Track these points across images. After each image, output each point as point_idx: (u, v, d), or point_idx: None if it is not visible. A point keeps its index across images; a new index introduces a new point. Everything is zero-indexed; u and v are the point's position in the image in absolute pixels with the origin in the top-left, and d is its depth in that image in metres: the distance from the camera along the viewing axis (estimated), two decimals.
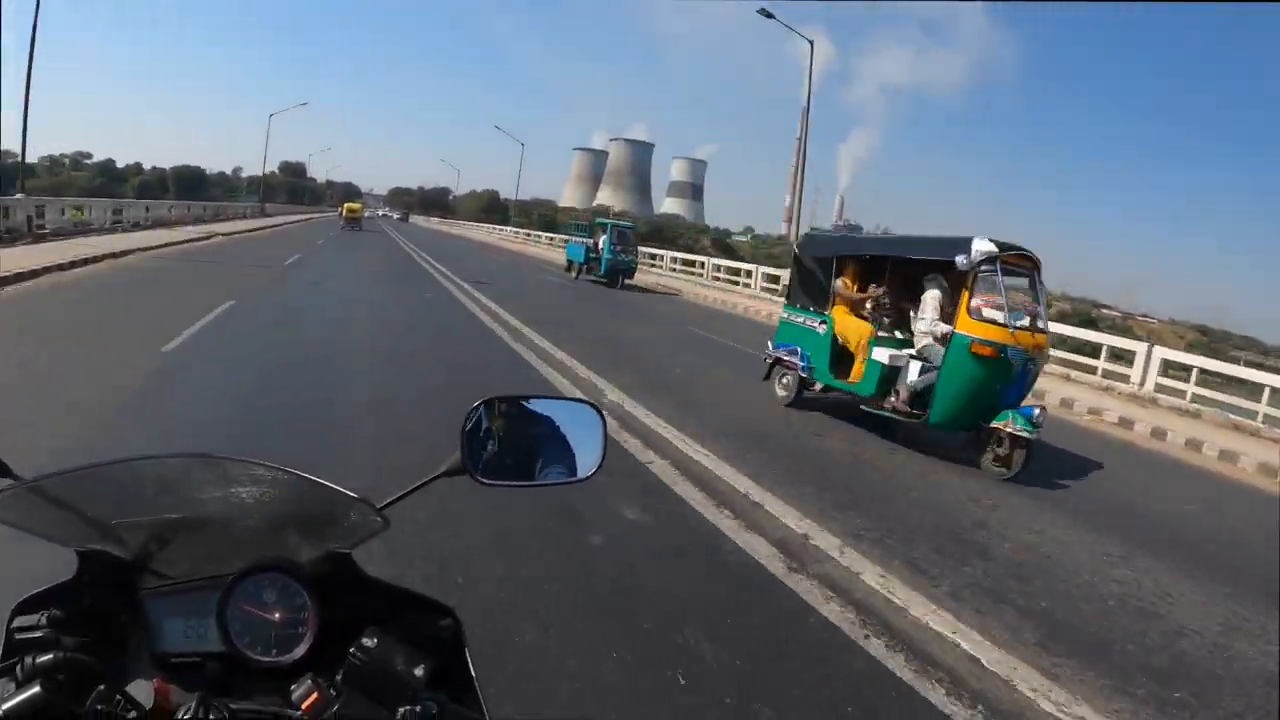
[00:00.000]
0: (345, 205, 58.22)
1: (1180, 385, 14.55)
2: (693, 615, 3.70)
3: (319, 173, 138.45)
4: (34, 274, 12.53)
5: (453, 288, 18.61)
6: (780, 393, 9.49)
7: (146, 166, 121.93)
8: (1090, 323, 39.46)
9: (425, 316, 13.45)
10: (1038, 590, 4.67)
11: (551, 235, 55.06)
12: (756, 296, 26.33)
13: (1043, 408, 7.66)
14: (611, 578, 4.02)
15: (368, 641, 0.99)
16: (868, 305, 8.85)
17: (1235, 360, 23.58)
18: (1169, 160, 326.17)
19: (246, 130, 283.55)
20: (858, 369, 8.49)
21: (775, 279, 26.54)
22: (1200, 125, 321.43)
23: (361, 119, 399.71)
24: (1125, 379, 15.18)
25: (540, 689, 2.97)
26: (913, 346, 8.24)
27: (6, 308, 10.20)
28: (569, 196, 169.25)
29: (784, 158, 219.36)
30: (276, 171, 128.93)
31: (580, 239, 29.12)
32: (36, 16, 20.89)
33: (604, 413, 1.48)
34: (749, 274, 29.62)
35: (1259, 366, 17.41)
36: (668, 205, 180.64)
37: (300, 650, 1.11)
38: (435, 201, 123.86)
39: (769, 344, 9.75)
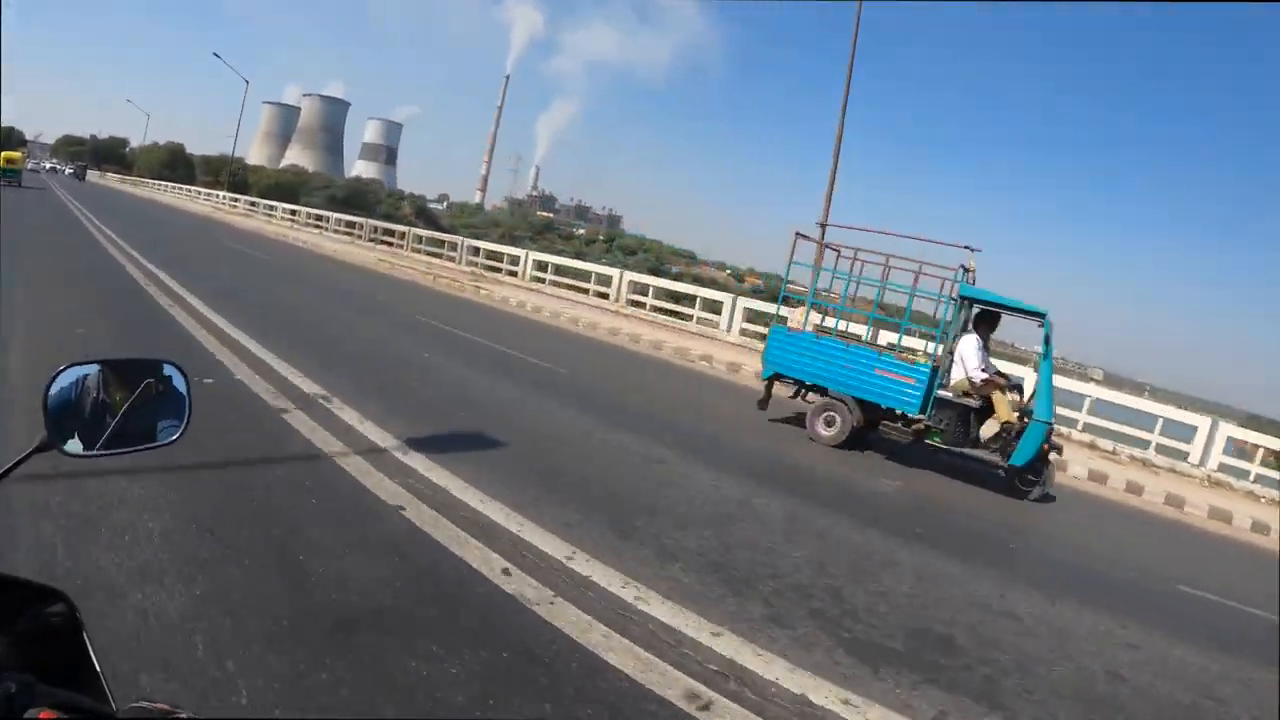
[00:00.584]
0: (2, 154, 49.27)
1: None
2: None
3: None
4: None
5: None
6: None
7: None
8: (776, 297, 47.45)
9: None
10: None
11: (293, 210, 49.48)
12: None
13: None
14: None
15: None
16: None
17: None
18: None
19: None
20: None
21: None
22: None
23: (33, 55, 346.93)
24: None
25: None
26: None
27: None
28: (257, 154, 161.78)
29: (482, 124, 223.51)
30: None
31: None
32: None
33: (185, 370, 1.52)
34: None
35: None
36: (359, 168, 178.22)
37: None
38: (110, 153, 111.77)
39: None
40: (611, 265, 31.94)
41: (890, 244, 11.03)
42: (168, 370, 1.50)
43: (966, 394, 9.75)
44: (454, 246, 33.11)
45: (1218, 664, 5.39)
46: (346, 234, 39.35)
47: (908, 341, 12.33)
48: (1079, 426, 15.70)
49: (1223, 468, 14.44)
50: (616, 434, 8.54)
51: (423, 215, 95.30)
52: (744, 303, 22.40)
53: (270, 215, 47.82)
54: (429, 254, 33.79)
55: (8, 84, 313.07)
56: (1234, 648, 5.84)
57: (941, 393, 9.82)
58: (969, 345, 9.86)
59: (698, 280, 59.49)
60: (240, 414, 6.40)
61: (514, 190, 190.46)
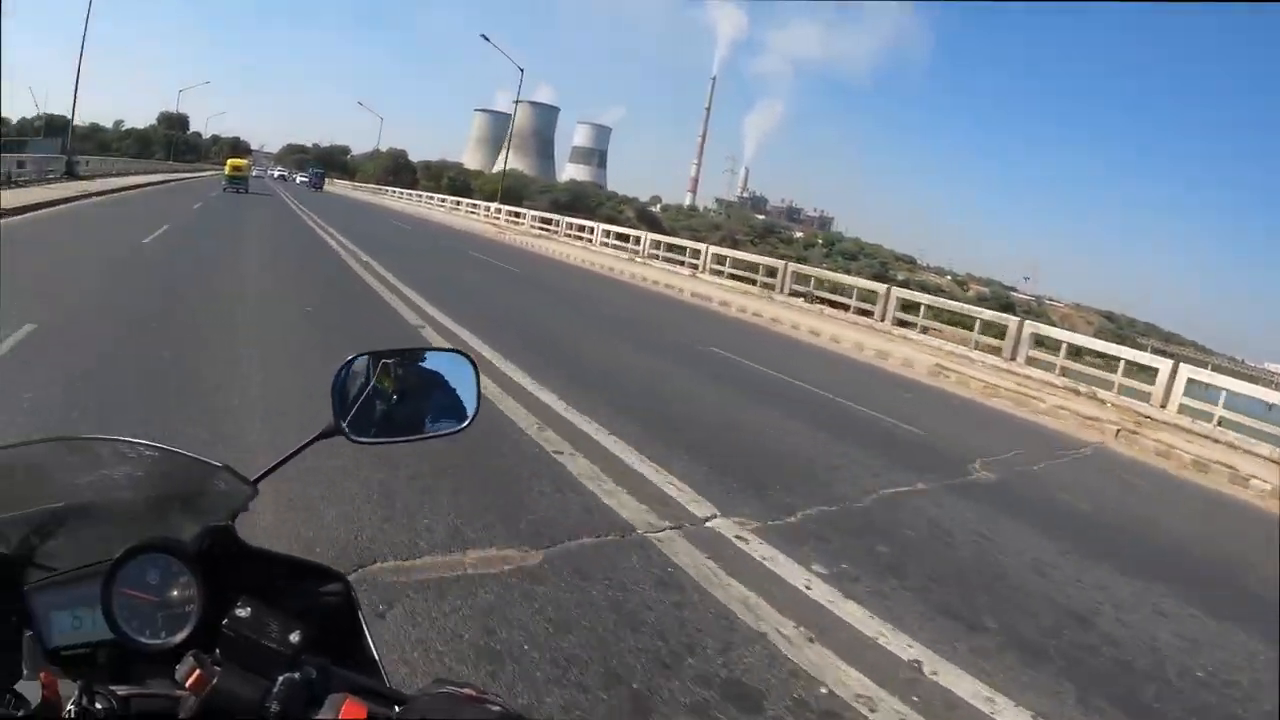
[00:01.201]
0: (229, 161, 51.23)
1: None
2: None
3: (205, 127, 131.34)
4: None
5: None
6: None
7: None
8: (1008, 306, 42.02)
9: None
10: None
11: (517, 212, 46.76)
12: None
13: None
14: None
15: (240, 612, 0.98)
16: None
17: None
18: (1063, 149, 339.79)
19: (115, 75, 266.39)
20: None
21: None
22: (1094, 111, 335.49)
23: (253, 74, 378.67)
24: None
25: None
26: None
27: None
28: (470, 160, 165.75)
29: (689, 126, 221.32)
30: (155, 124, 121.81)
31: None
32: None
33: (475, 361, 1.51)
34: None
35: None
36: (570, 171, 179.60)
37: (187, 630, 1.09)
38: (332, 161, 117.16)
39: None
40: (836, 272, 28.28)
41: None
42: (459, 360, 1.51)
43: None
44: (695, 254, 28.95)
45: None
46: (578, 237, 36.16)
47: None
48: None
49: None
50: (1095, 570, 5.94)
51: (644, 218, 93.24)
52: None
53: (512, 221, 45.91)
54: (668, 259, 29.86)
55: (244, 111, 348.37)
56: None
57: None
58: None
59: (931, 289, 53.33)
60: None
61: (728, 192, 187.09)
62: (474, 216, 50.16)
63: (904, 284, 53.74)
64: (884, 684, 3.65)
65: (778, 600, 4.28)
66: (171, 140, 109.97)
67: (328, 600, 1.21)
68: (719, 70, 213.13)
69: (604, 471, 5.85)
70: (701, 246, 29.63)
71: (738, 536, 5.04)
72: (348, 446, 1.43)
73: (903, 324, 20.18)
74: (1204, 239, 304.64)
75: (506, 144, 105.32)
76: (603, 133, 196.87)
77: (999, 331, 17.75)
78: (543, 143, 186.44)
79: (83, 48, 34.72)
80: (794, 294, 23.67)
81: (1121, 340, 24.47)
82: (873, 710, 3.46)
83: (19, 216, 17.23)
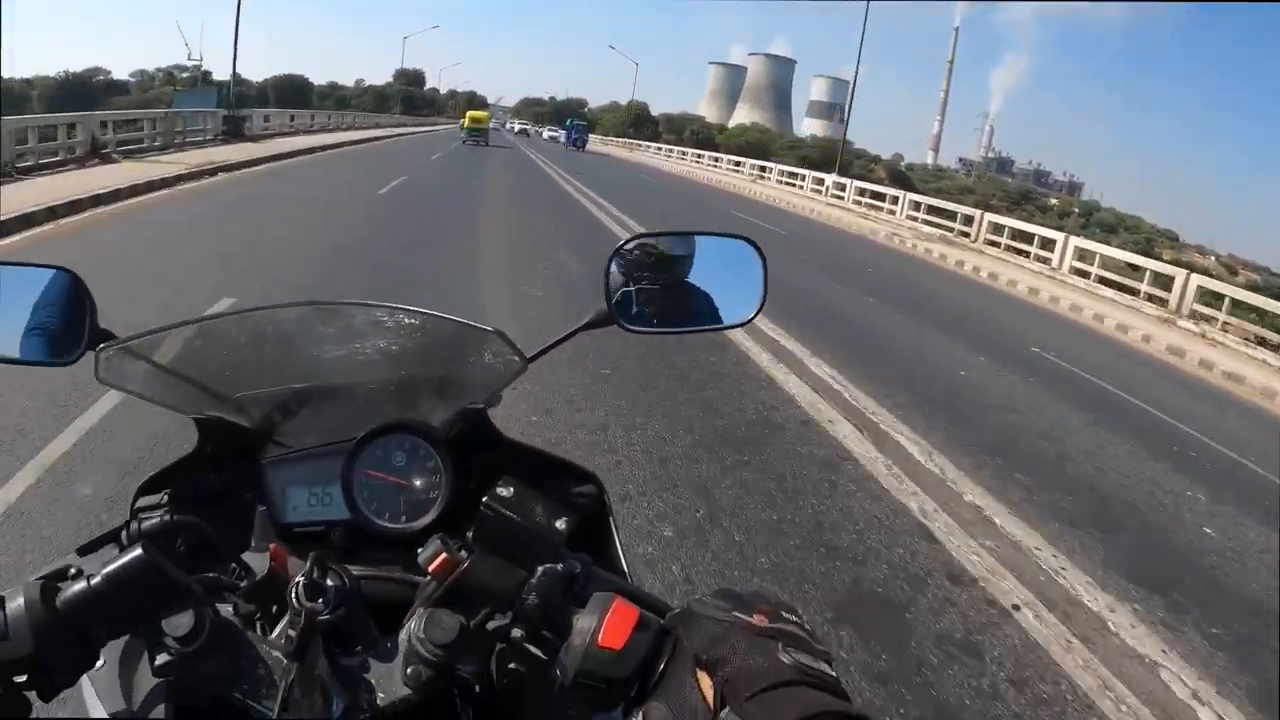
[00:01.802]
0: (468, 114, 50.47)
1: None
2: None
3: (445, 84, 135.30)
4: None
5: None
6: None
7: (244, 76, 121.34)
8: None
9: None
10: None
11: (763, 167, 42.94)
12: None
13: None
14: None
15: (503, 491, 0.88)
16: None
17: None
18: None
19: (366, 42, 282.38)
20: None
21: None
22: None
23: (485, 28, 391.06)
24: None
25: None
26: None
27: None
28: (705, 113, 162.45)
29: (929, 80, 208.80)
30: (392, 81, 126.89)
31: None
32: None
33: (762, 249, 1.32)
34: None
35: None
36: (806, 126, 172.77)
37: (431, 515, 1.08)
38: (570, 114, 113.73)
39: None
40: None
41: None
42: (744, 248, 1.33)
43: None
44: (1047, 244, 21.09)
45: None
46: (856, 203, 30.86)
47: None
48: None
49: None
50: None
51: (895, 177, 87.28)
52: None
53: (759, 175, 42.31)
54: (1015, 250, 22.10)
55: (480, 66, 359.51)
56: None
57: None
58: None
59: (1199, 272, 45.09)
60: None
61: (966, 151, 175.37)
62: (738, 174, 44.33)
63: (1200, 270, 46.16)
64: None
65: None
66: (408, 96, 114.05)
67: (580, 501, 1.17)
68: (961, 20, 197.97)
69: None
70: (1060, 239, 21.19)
71: None
72: None
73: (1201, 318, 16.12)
74: None
75: (848, 111, 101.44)
76: (840, 86, 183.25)
77: None
78: (780, 96, 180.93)
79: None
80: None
81: None
82: None
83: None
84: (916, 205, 27.86)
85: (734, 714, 0.65)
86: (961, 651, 3.51)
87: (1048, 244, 21.10)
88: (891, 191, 31.18)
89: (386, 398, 1.25)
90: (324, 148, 28.94)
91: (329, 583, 0.82)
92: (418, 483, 1.11)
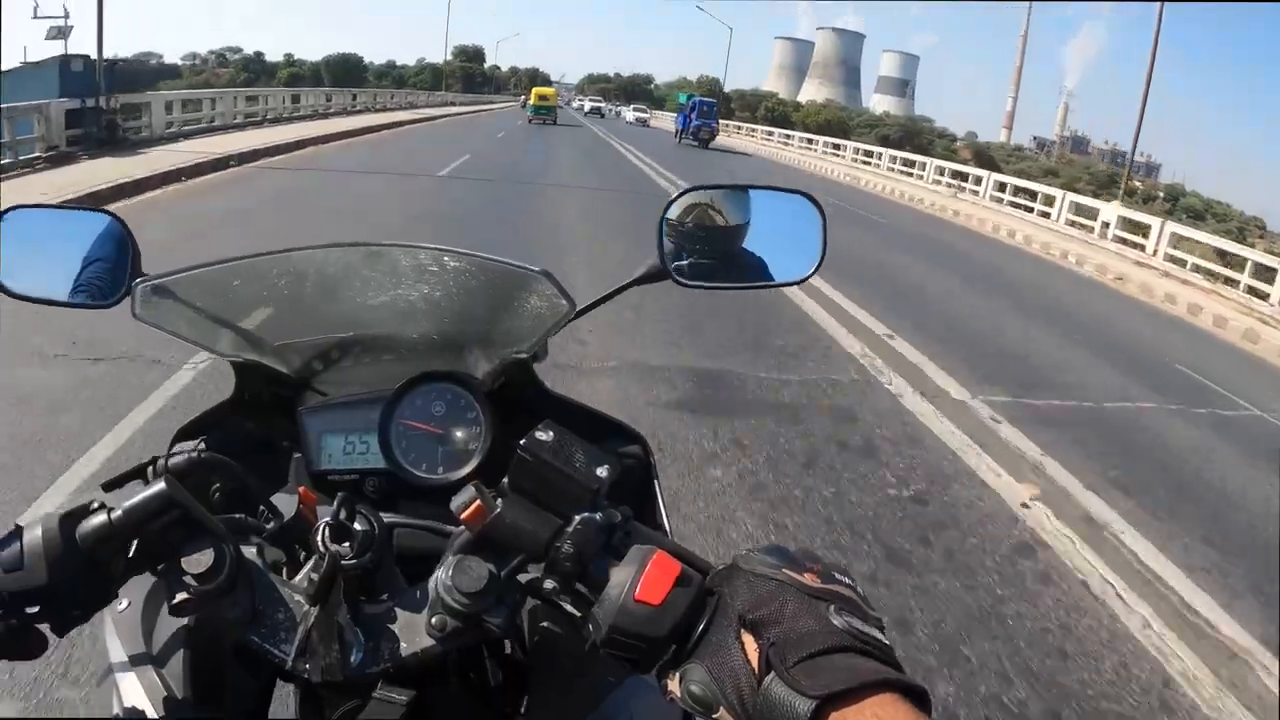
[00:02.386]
0: (534, 90, 47.16)
1: None
2: None
3: (503, 60, 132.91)
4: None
5: None
6: None
7: (298, 58, 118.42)
8: None
9: None
10: None
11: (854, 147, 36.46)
12: None
13: None
14: None
15: (541, 435, 0.79)
16: None
17: None
18: None
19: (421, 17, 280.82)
20: None
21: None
22: None
23: (543, 10, 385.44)
24: None
25: None
26: None
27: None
28: (772, 88, 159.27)
29: (1002, 53, 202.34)
30: (451, 58, 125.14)
31: None
32: None
33: (821, 205, 1.25)
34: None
35: None
36: (876, 102, 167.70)
37: (469, 467, 1.07)
38: (636, 91, 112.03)
39: None
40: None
41: None
42: (802, 203, 1.25)
43: None
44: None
45: None
46: (966, 190, 26.33)
47: None
48: None
49: None
50: None
51: (980, 159, 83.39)
52: None
53: (840, 155, 37.04)
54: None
55: (540, 42, 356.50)
56: None
57: None
58: None
59: None
60: None
61: (1040, 130, 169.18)
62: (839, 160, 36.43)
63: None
64: None
65: None
66: (468, 73, 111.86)
67: (624, 461, 1.15)
68: None
69: None
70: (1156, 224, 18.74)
71: None
72: None
73: None
74: None
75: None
76: (910, 62, 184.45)
77: None
78: (849, 71, 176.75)
79: None
80: None
81: None
82: None
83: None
84: (1031, 195, 23.67)
85: (779, 679, 0.60)
86: None
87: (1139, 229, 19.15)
88: (1024, 184, 26.56)
89: (429, 347, 1.26)
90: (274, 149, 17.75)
91: (356, 527, 0.80)
92: (457, 434, 1.10)
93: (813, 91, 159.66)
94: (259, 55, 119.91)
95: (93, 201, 9.56)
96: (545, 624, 0.89)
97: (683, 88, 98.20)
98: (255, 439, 1.15)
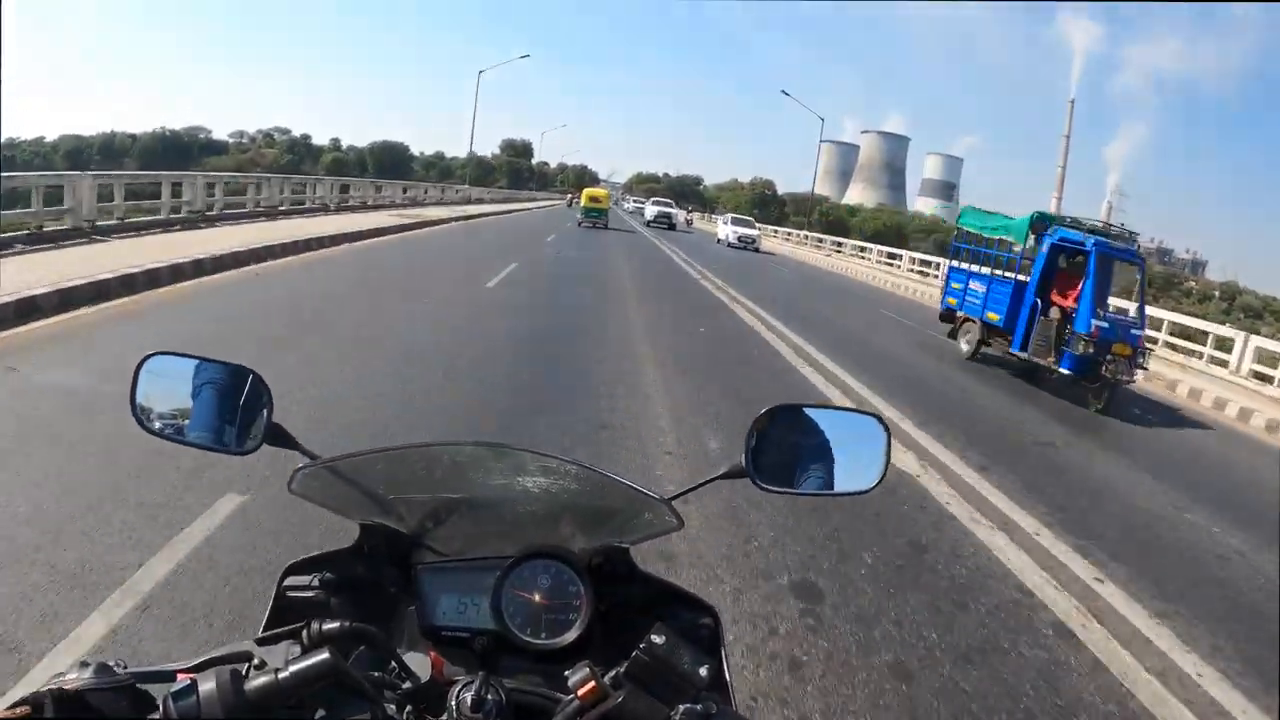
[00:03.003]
0: (585, 191, 44.45)
1: None
2: None
3: (550, 154, 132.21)
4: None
5: None
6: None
7: (345, 144, 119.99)
8: None
9: None
10: None
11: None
12: None
13: None
14: None
15: (657, 639, 0.97)
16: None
17: None
18: None
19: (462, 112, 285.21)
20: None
21: None
22: None
23: (590, 107, 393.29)
24: None
25: None
26: None
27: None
28: (818, 191, 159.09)
29: (1044, 154, 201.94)
30: (497, 151, 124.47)
31: None
32: None
33: (887, 425, 1.45)
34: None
35: None
36: (919, 204, 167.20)
37: (571, 635, 1.19)
38: (685, 192, 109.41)
39: None
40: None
41: None
42: (871, 423, 1.46)
43: None
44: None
45: None
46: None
47: None
48: None
49: None
50: None
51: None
52: None
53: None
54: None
55: (586, 141, 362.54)
56: None
57: None
58: None
59: None
60: None
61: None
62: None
63: None
64: None
65: None
66: (515, 168, 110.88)
67: (699, 630, 1.29)
68: (1076, 91, 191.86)
69: None
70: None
71: None
72: None
73: None
74: None
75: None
76: (954, 164, 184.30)
77: None
78: (894, 174, 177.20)
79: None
80: None
81: None
82: None
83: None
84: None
85: None
86: None
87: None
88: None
89: (533, 522, 1.40)
90: None
91: (489, 696, 0.94)
92: (559, 604, 1.22)
93: (858, 195, 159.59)
94: (305, 137, 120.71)
95: None
96: None
97: (733, 190, 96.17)
98: (366, 583, 1.28)
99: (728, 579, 4.31)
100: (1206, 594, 5.29)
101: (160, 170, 18.71)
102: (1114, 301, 13.74)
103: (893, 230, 70.25)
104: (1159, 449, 10.27)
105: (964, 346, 14.21)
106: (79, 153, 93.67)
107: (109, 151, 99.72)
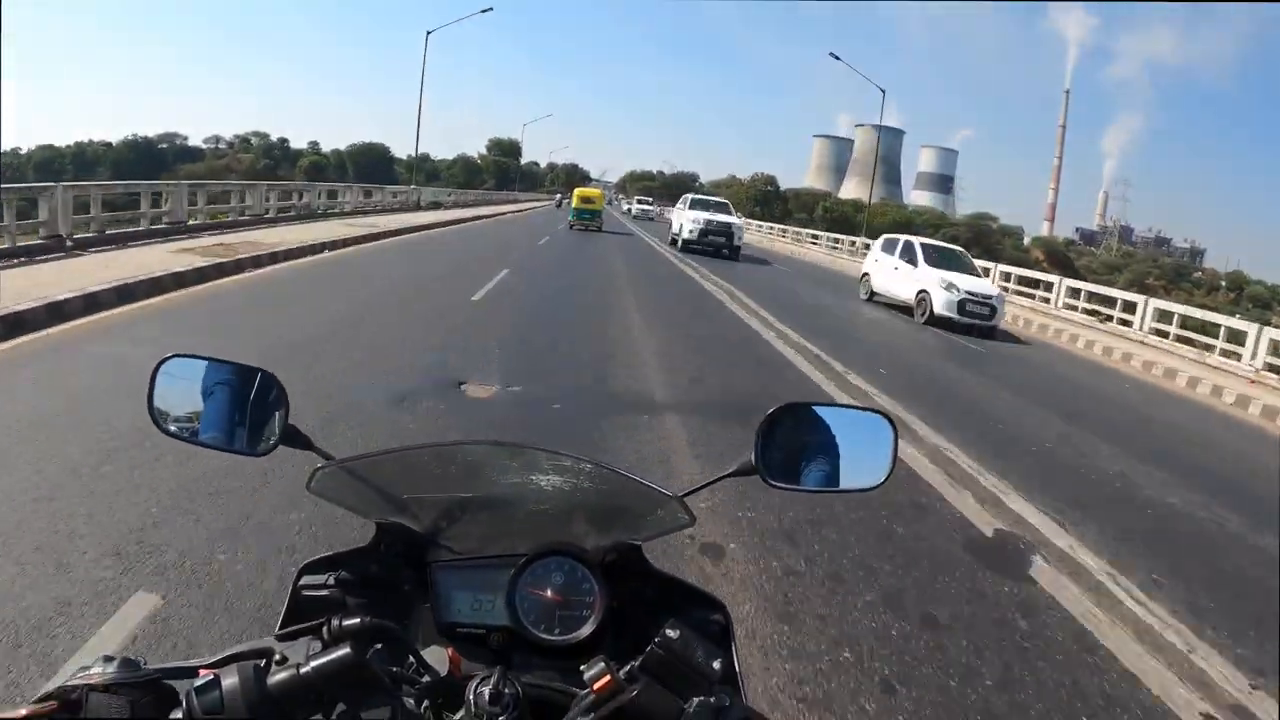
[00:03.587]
0: (576, 191, 40.51)
1: None
2: None
3: (538, 151, 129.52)
4: None
5: None
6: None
7: (326, 149, 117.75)
8: None
9: None
10: None
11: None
12: None
13: None
14: None
15: (671, 633, 1.00)
16: None
17: None
18: None
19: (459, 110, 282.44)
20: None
21: None
22: None
23: (579, 105, 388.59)
24: None
25: None
26: None
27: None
28: (812, 186, 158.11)
29: (1040, 145, 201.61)
30: (485, 151, 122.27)
31: None
32: None
33: (895, 423, 1.46)
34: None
35: None
36: (915, 198, 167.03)
37: (585, 632, 1.21)
38: (680, 190, 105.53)
39: None
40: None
41: None
42: (878, 421, 1.46)
43: None
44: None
45: None
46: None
47: None
48: None
49: None
50: None
51: (1054, 259, 78.45)
52: None
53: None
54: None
55: (577, 141, 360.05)
56: None
57: None
58: None
59: None
60: None
61: (1083, 221, 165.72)
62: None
63: None
64: None
65: None
66: (503, 168, 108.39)
67: (710, 626, 1.30)
68: (1071, 82, 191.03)
69: None
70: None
71: None
72: None
73: None
74: None
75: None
76: (949, 157, 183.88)
77: None
78: (889, 168, 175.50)
79: None
80: None
81: None
82: None
83: None
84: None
85: None
86: None
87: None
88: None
89: (546, 519, 1.40)
90: None
91: (505, 690, 0.97)
92: (573, 601, 1.24)
93: (853, 189, 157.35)
94: (283, 141, 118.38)
95: None
96: None
97: (731, 187, 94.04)
98: (379, 580, 1.26)
99: None
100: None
101: (132, 179, 18.66)
102: None
103: (902, 227, 68.29)
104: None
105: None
106: (50, 163, 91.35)
107: (81, 162, 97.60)
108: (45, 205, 12.52)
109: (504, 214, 47.76)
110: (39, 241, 12.21)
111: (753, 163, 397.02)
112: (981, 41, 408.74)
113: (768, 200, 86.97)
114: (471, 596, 1.27)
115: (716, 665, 0.99)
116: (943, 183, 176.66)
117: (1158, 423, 11.35)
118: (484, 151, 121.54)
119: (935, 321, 17.35)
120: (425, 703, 0.98)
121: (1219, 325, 17.82)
